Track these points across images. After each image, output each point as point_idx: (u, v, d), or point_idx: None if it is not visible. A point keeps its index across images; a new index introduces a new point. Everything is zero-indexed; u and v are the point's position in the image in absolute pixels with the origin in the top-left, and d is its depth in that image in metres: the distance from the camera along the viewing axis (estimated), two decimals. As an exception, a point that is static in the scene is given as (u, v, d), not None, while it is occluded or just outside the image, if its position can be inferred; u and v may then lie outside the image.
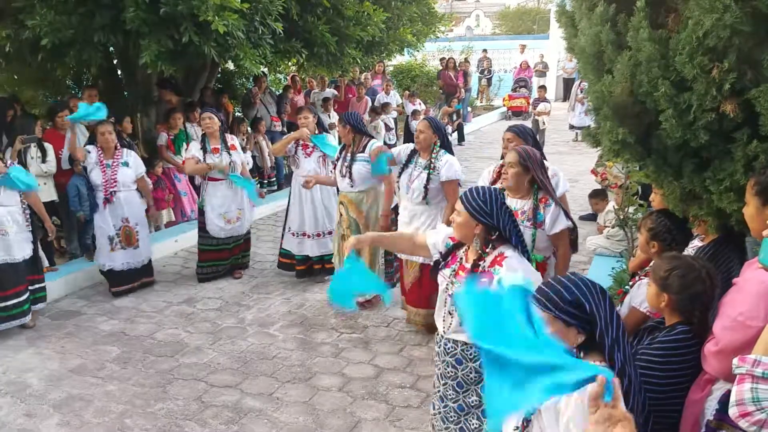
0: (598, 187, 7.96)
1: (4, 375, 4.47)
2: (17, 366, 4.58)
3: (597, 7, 2.76)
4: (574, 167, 10.90)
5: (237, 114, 9.79)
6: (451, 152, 4.74)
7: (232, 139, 6.13)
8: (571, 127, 13.58)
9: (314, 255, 6.02)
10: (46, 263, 5.87)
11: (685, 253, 2.90)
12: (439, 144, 4.65)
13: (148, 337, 5.01)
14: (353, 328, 5.14)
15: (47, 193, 6.00)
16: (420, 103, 12.60)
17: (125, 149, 5.84)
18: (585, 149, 10.06)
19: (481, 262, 2.66)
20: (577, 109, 13.06)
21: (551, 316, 1.91)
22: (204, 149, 5.87)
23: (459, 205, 2.70)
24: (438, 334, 2.93)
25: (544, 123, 12.94)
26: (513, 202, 3.58)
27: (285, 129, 10.08)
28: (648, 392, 2.14)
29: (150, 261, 6.07)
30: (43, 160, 5.99)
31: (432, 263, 2.94)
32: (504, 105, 18.55)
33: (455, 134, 13.41)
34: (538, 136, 12.92)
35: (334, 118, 10.66)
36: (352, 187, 5.19)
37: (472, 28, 29.85)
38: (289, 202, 6.07)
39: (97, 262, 5.89)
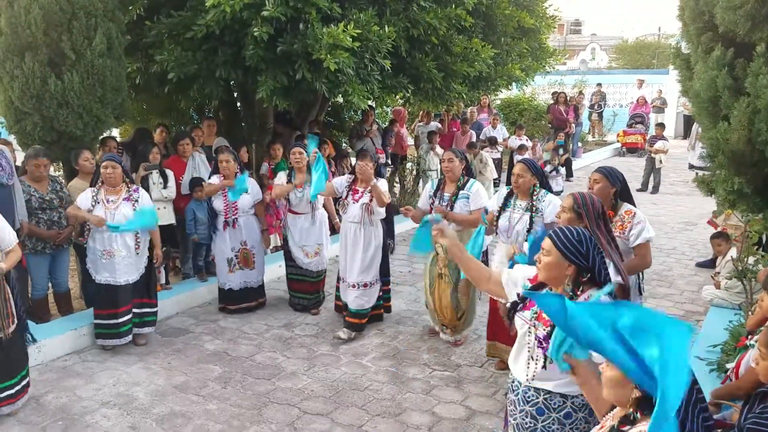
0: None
1: (114, 387, 4.72)
2: (127, 379, 4.84)
3: (714, 51, 2.62)
4: (692, 210, 10.30)
5: (344, 146, 10.04)
6: (551, 190, 4.68)
7: None
8: (691, 166, 12.85)
9: (351, 306, 5.59)
10: (162, 280, 6.26)
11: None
12: (538, 185, 4.58)
13: (248, 358, 5.19)
14: (446, 365, 5.07)
15: (166, 216, 6.31)
16: (527, 139, 12.41)
17: (245, 176, 6.01)
18: (704, 191, 9.46)
19: None
20: (698, 148, 12.36)
21: None
22: (289, 182, 5.98)
23: (548, 244, 2.54)
24: (513, 381, 2.77)
25: (660, 162, 12.40)
26: None
27: (389, 161, 10.25)
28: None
29: (263, 282, 6.32)
30: (164, 186, 6.28)
31: (509, 304, 2.74)
32: (618, 141, 17.91)
33: (563, 169, 13.07)
34: (653, 176, 12.47)
35: (440, 152, 10.70)
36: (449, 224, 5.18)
37: (587, 61, 29.06)
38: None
39: (219, 282, 6.15)
